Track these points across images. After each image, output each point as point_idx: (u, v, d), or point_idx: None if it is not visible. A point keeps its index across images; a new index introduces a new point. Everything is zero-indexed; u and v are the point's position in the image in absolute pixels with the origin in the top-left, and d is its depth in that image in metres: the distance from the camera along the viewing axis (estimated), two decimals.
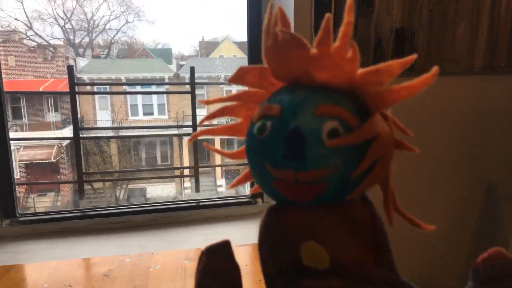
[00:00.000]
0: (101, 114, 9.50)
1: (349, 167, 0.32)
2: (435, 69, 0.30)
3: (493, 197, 1.13)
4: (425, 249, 1.09)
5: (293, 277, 0.35)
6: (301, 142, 0.31)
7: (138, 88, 9.30)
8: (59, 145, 8.61)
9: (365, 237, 0.34)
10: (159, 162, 10.05)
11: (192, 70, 1.38)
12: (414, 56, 0.31)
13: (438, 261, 1.13)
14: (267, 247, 0.38)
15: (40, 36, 10.30)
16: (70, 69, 1.36)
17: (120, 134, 7.24)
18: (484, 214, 1.14)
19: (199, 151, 1.41)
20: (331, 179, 0.32)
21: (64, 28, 10.65)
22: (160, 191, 8.50)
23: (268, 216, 0.38)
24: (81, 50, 10.85)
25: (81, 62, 9.71)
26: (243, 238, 1.07)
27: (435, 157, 1.06)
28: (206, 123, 0.42)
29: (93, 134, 6.44)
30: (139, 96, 9.70)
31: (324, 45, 0.31)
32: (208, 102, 0.42)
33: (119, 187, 7.74)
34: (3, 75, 1.08)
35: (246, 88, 0.39)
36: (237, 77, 0.38)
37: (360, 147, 0.32)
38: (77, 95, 1.32)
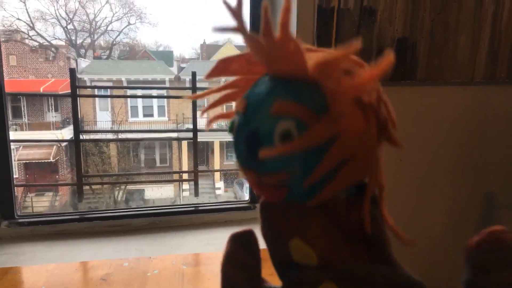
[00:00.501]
0: (101, 115, 9.52)
1: (308, 170, 0.30)
2: (387, 59, 0.27)
3: (493, 207, 1.13)
4: (424, 257, 1.09)
5: (288, 271, 0.35)
6: (258, 145, 0.30)
7: (139, 91, 9.32)
8: (59, 145, 8.61)
9: (356, 236, 0.33)
10: (158, 164, 10.05)
11: (193, 74, 1.38)
12: (357, 44, 0.27)
13: (436, 270, 1.12)
14: (267, 240, 0.38)
15: (42, 36, 10.35)
16: (72, 72, 1.36)
17: (120, 136, 7.25)
18: (483, 223, 1.14)
19: (198, 154, 1.41)
20: (292, 182, 0.31)
21: (66, 29, 10.70)
22: (159, 194, 8.50)
23: (261, 212, 0.38)
24: (82, 51, 10.88)
25: (83, 63, 9.74)
26: None
27: (435, 166, 1.06)
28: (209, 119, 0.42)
29: (93, 135, 6.43)
30: (139, 98, 9.72)
31: (267, 36, 0.29)
32: (197, 97, 0.40)
33: (117, 188, 7.74)
34: (4, 74, 1.08)
35: (238, 77, 0.38)
36: (219, 70, 0.36)
37: (319, 149, 0.29)
38: (77, 97, 1.33)
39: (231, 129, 0.34)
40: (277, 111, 0.30)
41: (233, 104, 0.39)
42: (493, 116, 1.07)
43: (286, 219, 0.35)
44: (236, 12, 0.30)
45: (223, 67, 0.36)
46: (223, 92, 0.39)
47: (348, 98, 0.29)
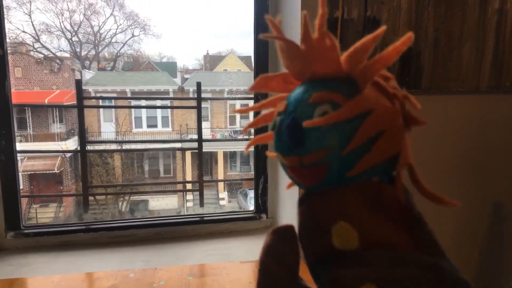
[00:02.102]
0: (106, 125, 9.56)
1: (346, 144, 0.34)
2: (407, 36, 0.33)
3: (500, 217, 1.12)
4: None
5: (329, 263, 0.36)
6: (299, 130, 0.35)
7: (143, 101, 9.36)
8: (63, 156, 8.63)
9: (394, 218, 0.35)
10: (162, 175, 10.05)
11: (198, 86, 1.39)
12: (384, 28, 0.33)
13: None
14: (304, 235, 0.39)
15: (47, 49, 10.45)
16: (78, 83, 1.37)
17: (125, 147, 7.26)
18: (491, 233, 1.13)
19: (202, 165, 1.41)
20: (331, 158, 0.35)
21: (71, 41, 10.80)
22: (163, 204, 8.49)
23: (300, 206, 0.40)
24: (87, 63, 10.97)
25: (87, 75, 9.81)
26: (247, 254, 1.06)
27: (441, 175, 1.06)
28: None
29: (97, 146, 6.46)
30: (143, 109, 9.76)
31: (307, 40, 0.35)
32: (241, 111, 0.47)
33: (121, 199, 7.74)
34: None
35: (276, 95, 0.43)
36: (260, 85, 0.42)
37: (353, 124, 0.34)
38: (83, 108, 1.34)
39: (273, 127, 0.39)
40: (315, 100, 0.35)
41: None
42: (499, 125, 1.07)
43: (328, 205, 0.37)
44: (276, 26, 0.37)
45: (263, 83, 0.41)
46: (263, 110, 0.44)
47: (376, 72, 0.34)
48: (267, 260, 0.37)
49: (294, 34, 0.97)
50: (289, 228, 0.39)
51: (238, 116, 9.85)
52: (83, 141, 1.25)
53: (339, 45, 0.35)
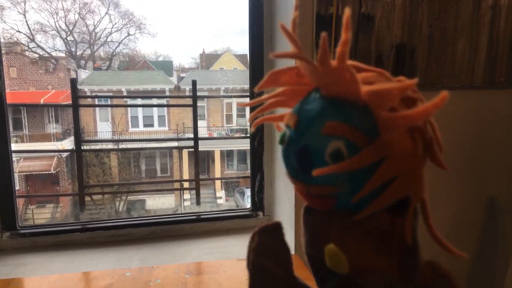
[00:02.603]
0: (102, 125, 9.52)
1: (357, 186, 0.32)
2: (441, 96, 0.30)
3: (494, 212, 1.13)
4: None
5: (327, 278, 0.36)
6: (308, 159, 0.33)
7: (139, 101, 9.33)
8: (59, 156, 8.60)
9: (390, 249, 0.34)
10: (159, 174, 10.04)
11: (194, 84, 1.39)
12: (414, 81, 0.30)
13: None
14: (306, 244, 0.39)
15: (42, 48, 10.38)
16: (73, 82, 1.37)
17: (121, 146, 7.24)
18: (486, 229, 1.14)
19: (199, 163, 1.41)
20: (340, 195, 0.33)
21: (66, 40, 10.74)
22: (160, 203, 8.47)
23: (303, 216, 0.39)
24: (82, 62, 10.92)
25: (83, 74, 9.76)
26: (244, 251, 1.06)
27: (435, 171, 1.06)
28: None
29: (93, 145, 6.44)
30: (139, 108, 9.73)
31: (323, 63, 0.31)
32: (249, 105, 0.45)
33: (118, 199, 7.72)
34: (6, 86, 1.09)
35: (287, 87, 0.40)
36: (270, 81, 0.38)
37: (368, 168, 0.31)
38: (78, 107, 1.33)
39: (281, 141, 0.36)
40: (329, 132, 0.32)
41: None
42: (493, 120, 1.08)
43: (326, 224, 0.36)
44: (293, 39, 0.33)
45: (274, 78, 0.38)
46: (272, 100, 0.41)
47: (400, 126, 0.31)
48: (260, 259, 0.37)
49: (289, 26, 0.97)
50: (277, 225, 0.39)
51: (234, 114, 9.83)
52: (78, 140, 1.25)
53: (356, 74, 0.31)
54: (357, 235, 0.35)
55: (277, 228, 0.39)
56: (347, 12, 0.30)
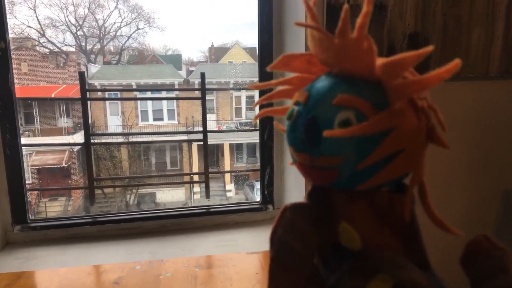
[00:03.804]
0: (112, 119, 9.59)
1: (362, 157, 0.33)
2: (454, 63, 0.30)
3: (509, 205, 1.10)
4: (440, 256, 1.07)
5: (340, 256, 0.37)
6: (316, 130, 0.34)
7: (149, 94, 9.37)
8: (71, 150, 8.69)
9: (395, 228, 0.36)
10: (168, 167, 10.10)
11: (202, 76, 1.37)
12: (430, 48, 0.30)
13: (453, 269, 1.10)
14: (316, 228, 0.39)
15: (52, 43, 10.46)
16: (81, 76, 1.36)
17: (131, 139, 7.29)
18: (501, 223, 1.11)
19: (209, 157, 1.41)
20: (343, 166, 0.34)
21: (76, 35, 10.81)
22: (170, 196, 8.53)
23: (310, 199, 0.40)
24: (92, 57, 10.98)
25: (93, 68, 9.83)
26: (253, 245, 1.06)
27: (450, 163, 1.04)
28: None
29: (104, 139, 6.49)
30: (149, 102, 9.77)
31: (342, 36, 0.32)
32: (258, 87, 0.45)
33: (129, 192, 7.78)
34: (16, 81, 1.09)
35: (296, 74, 0.41)
36: (282, 64, 0.40)
37: (374, 139, 0.32)
38: (88, 101, 1.33)
39: (289, 117, 0.37)
40: (340, 102, 0.33)
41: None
42: (510, 111, 1.05)
43: (334, 205, 0.37)
44: (312, 10, 0.35)
45: (286, 61, 0.39)
46: (279, 87, 0.42)
47: (410, 94, 0.33)
48: (289, 237, 0.36)
49: (298, 19, 0.95)
50: (307, 206, 0.39)
51: (243, 107, 9.83)
52: (87, 133, 1.25)
53: (374, 44, 0.32)
54: (362, 212, 0.36)
55: (307, 208, 0.38)
56: None
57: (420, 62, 0.31)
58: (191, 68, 10.82)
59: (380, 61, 0.33)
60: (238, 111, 9.96)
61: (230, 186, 9.45)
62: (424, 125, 0.35)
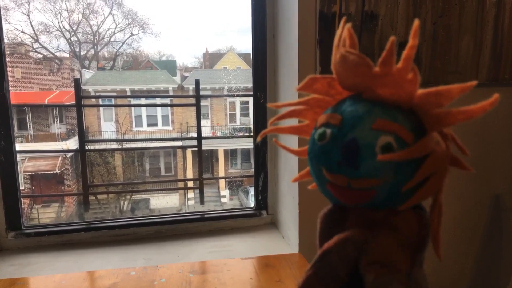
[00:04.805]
0: (106, 125, 9.55)
1: (400, 179, 0.34)
2: (495, 96, 0.32)
3: (499, 210, 1.12)
4: (429, 261, 1.08)
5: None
6: (356, 152, 0.34)
7: (143, 100, 9.34)
8: (64, 156, 8.63)
9: (407, 245, 0.37)
10: (162, 173, 10.05)
11: (197, 83, 1.39)
12: (474, 83, 0.32)
13: (443, 274, 1.11)
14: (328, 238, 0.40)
15: (46, 49, 10.41)
16: (76, 82, 1.37)
17: (125, 145, 7.26)
18: (490, 227, 1.13)
19: (203, 163, 1.41)
20: (381, 188, 0.35)
21: (69, 41, 10.77)
22: (164, 202, 8.49)
23: (331, 213, 0.41)
24: (86, 62, 10.95)
25: (87, 74, 9.79)
26: (248, 250, 1.06)
27: None
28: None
29: (97, 145, 6.46)
30: (143, 108, 9.74)
31: (386, 65, 0.34)
32: (278, 106, 0.46)
33: (122, 198, 7.74)
34: (10, 87, 1.09)
35: (313, 95, 0.42)
36: (307, 86, 0.41)
37: (413, 162, 0.34)
38: (83, 108, 1.34)
39: (322, 138, 0.37)
40: (380, 127, 0.34)
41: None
42: (499, 118, 1.07)
43: (356, 221, 0.38)
44: (353, 38, 0.36)
45: (310, 83, 0.40)
46: (296, 107, 0.43)
47: (454, 123, 0.34)
48: (339, 266, 0.38)
49: (291, 27, 0.97)
50: (365, 242, 0.39)
51: (238, 113, 9.83)
52: (82, 140, 1.25)
53: (419, 75, 0.34)
54: (382, 233, 0.37)
55: (364, 243, 0.39)
56: (416, 22, 0.32)
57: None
58: (186, 74, 10.81)
59: (420, 92, 0.35)
60: (232, 117, 9.95)
61: (225, 192, 9.42)
62: (450, 149, 0.37)
